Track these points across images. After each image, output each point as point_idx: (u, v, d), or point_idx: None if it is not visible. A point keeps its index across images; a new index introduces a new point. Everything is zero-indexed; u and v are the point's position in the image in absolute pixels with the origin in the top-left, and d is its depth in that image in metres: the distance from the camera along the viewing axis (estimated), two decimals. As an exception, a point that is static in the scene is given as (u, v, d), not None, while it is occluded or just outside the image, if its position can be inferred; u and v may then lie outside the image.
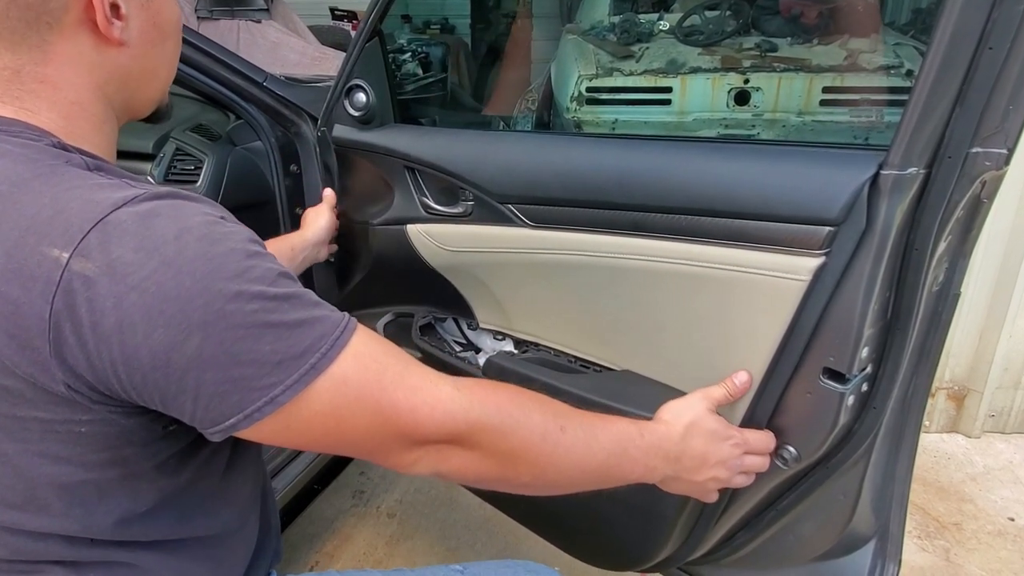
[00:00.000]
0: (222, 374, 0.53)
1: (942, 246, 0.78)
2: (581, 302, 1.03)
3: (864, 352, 0.79)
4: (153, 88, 0.68)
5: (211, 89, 1.42)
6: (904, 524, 1.00)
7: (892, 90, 1.90)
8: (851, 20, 2.03)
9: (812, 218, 0.78)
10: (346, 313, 0.60)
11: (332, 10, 5.04)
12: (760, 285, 0.83)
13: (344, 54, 1.19)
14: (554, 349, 1.13)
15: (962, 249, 0.83)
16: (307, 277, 1.41)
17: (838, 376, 0.80)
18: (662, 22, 2.24)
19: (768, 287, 0.82)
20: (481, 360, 1.21)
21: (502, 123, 2.40)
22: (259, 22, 2.89)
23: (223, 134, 1.61)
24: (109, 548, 0.63)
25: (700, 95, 1.95)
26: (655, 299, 0.94)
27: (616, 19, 2.31)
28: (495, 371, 1.17)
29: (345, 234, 1.33)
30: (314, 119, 1.45)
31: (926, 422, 2.18)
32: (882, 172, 0.73)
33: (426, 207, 1.15)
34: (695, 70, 1.96)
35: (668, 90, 1.97)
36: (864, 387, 0.85)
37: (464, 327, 1.29)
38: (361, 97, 1.17)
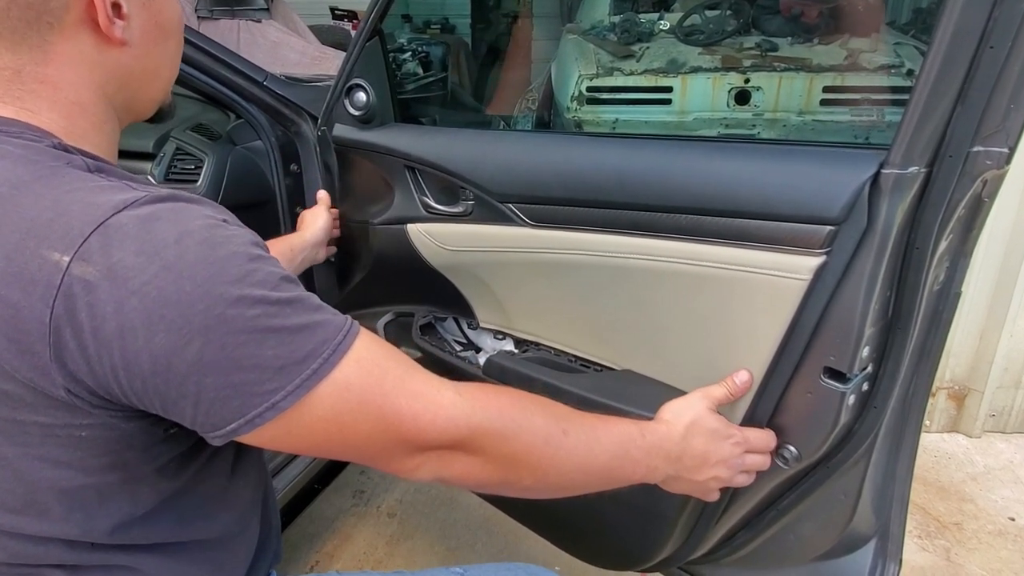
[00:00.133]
0: (223, 379, 0.52)
1: (943, 245, 0.78)
2: (581, 301, 1.03)
3: (865, 351, 0.79)
4: (155, 88, 0.68)
5: (211, 88, 1.42)
6: (905, 524, 1.00)
7: (893, 89, 1.90)
8: (852, 19, 2.03)
9: (813, 217, 0.78)
10: (348, 317, 0.60)
11: (332, 9, 5.03)
12: (761, 284, 0.82)
13: (344, 53, 1.19)
14: (554, 348, 1.13)
15: (963, 248, 0.83)
16: (308, 277, 1.41)
17: (839, 375, 0.80)
18: (662, 22, 2.24)
19: (769, 286, 0.82)
20: (481, 360, 1.21)
21: (502, 122, 2.40)
22: (259, 22, 2.90)
23: (223, 133, 1.61)
24: (109, 552, 0.62)
25: (700, 95, 1.95)
26: (655, 298, 0.94)
27: (616, 19, 2.31)
28: (495, 370, 1.17)
29: (345, 234, 1.33)
30: (314, 118, 1.45)
31: (927, 422, 2.18)
32: (883, 171, 0.73)
33: (426, 206, 1.14)
34: (695, 70, 1.96)
35: (668, 90, 1.96)
36: (865, 386, 0.85)
37: (464, 326, 1.29)
38: (361, 96, 1.17)
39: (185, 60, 1.08)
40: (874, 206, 0.74)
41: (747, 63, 1.97)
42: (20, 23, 0.55)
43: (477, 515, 1.87)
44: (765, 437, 0.86)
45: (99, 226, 0.51)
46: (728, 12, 2.13)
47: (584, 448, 0.70)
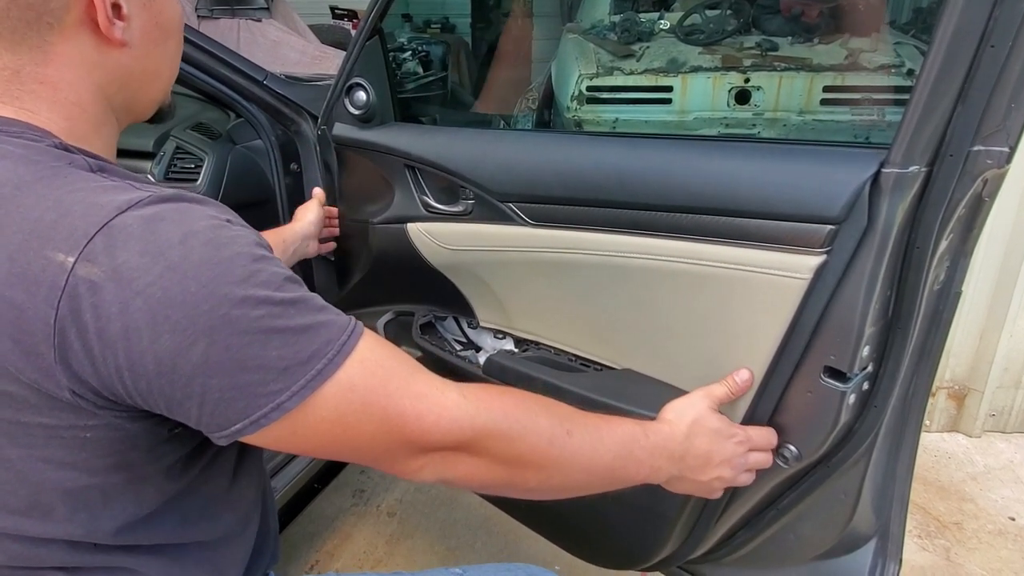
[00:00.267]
0: (228, 380, 0.52)
1: (943, 245, 0.78)
2: (582, 301, 1.03)
3: (865, 351, 0.79)
4: (155, 88, 0.67)
5: (212, 88, 1.42)
6: (905, 523, 1.00)
7: (893, 89, 1.90)
8: (852, 19, 2.03)
9: (813, 216, 0.78)
10: (352, 317, 0.60)
11: (332, 9, 5.04)
12: (761, 283, 0.82)
13: (344, 53, 1.19)
14: (555, 348, 1.13)
15: (963, 248, 0.83)
16: (307, 277, 1.41)
17: (839, 375, 0.80)
18: (663, 21, 2.24)
19: (769, 285, 0.82)
20: (482, 359, 1.21)
21: (503, 122, 2.39)
22: (259, 21, 2.90)
23: (223, 132, 1.61)
24: (111, 553, 0.62)
25: (701, 94, 1.95)
26: (656, 297, 0.94)
27: (617, 18, 2.31)
28: (496, 370, 1.17)
29: (345, 233, 1.33)
30: (314, 117, 1.45)
31: (927, 421, 2.18)
32: (883, 170, 0.73)
33: (426, 205, 1.14)
34: (696, 69, 1.96)
35: (669, 89, 1.96)
36: (865, 386, 0.85)
37: (464, 326, 1.29)
38: (361, 95, 1.17)
39: (185, 59, 1.08)
40: (874, 205, 0.74)
41: (747, 63, 1.97)
42: (20, 23, 0.55)
43: (477, 515, 1.87)
44: (767, 435, 0.86)
45: (103, 227, 0.51)
46: (728, 12, 2.12)
47: (588, 449, 0.70)
